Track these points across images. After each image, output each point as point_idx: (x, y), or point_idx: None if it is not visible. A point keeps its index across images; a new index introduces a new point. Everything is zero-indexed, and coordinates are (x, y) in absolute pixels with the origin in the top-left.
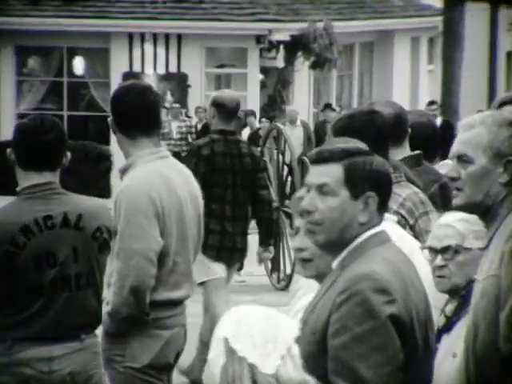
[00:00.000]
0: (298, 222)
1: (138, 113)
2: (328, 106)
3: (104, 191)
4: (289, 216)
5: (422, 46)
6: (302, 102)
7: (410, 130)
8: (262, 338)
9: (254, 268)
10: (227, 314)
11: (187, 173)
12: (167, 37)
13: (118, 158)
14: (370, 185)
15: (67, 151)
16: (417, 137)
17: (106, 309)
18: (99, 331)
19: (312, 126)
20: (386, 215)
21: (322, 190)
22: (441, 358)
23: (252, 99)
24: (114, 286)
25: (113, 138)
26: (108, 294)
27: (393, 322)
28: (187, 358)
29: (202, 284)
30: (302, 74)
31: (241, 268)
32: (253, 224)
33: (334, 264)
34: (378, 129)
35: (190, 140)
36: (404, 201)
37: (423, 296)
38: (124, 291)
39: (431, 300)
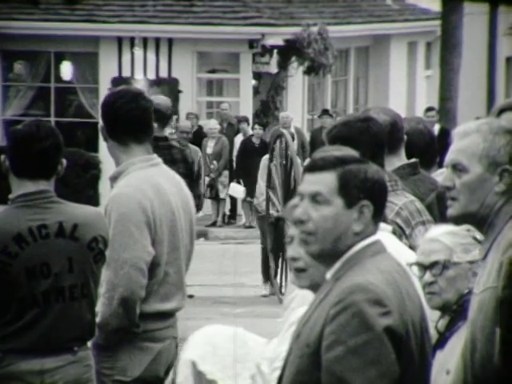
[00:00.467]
0: (293, 230)
1: (130, 119)
2: (325, 112)
3: (92, 200)
4: None
5: (419, 51)
6: (295, 108)
7: (405, 137)
8: (231, 359)
9: (245, 279)
10: (193, 336)
11: (179, 180)
12: (157, 41)
13: (107, 165)
14: (364, 193)
15: (63, 159)
16: (414, 144)
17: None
18: (89, 343)
19: (306, 133)
20: (381, 225)
21: (315, 198)
22: (434, 375)
23: (245, 105)
24: (104, 297)
25: (102, 145)
26: (97, 305)
27: (388, 335)
28: None
29: None
30: (296, 79)
31: None
32: (251, 232)
33: (328, 274)
34: (373, 136)
35: None
36: (400, 210)
37: (419, 307)
38: (113, 302)
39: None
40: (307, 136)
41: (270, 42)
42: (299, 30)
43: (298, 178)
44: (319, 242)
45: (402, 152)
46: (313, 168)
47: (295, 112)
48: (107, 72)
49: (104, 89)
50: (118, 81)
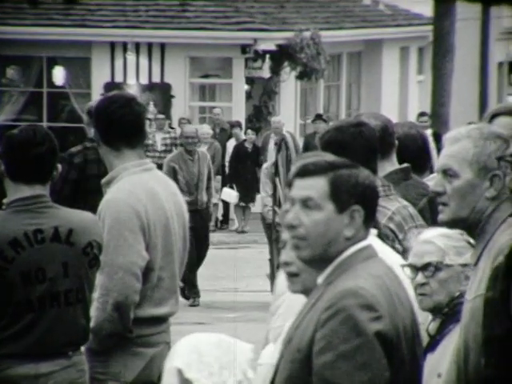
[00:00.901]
0: (285, 235)
1: (123, 124)
2: (319, 117)
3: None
4: None
5: (411, 56)
6: (288, 113)
7: (397, 142)
8: (217, 365)
9: (238, 284)
10: (177, 344)
11: (172, 185)
12: (150, 46)
13: None
14: (355, 198)
15: (58, 163)
16: (406, 149)
17: None
18: (82, 348)
19: (299, 138)
20: None
21: (306, 203)
22: (425, 378)
23: (237, 110)
24: (98, 302)
25: None
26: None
27: (379, 339)
28: None
29: None
30: (289, 84)
31: None
32: (244, 237)
33: (320, 279)
34: (366, 141)
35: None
36: (393, 214)
37: (410, 312)
38: (107, 307)
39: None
40: (300, 141)
41: (262, 47)
42: (292, 35)
43: None
44: (310, 247)
45: (394, 157)
46: (304, 173)
47: (288, 117)
48: (100, 77)
49: (96, 94)
50: (110, 86)
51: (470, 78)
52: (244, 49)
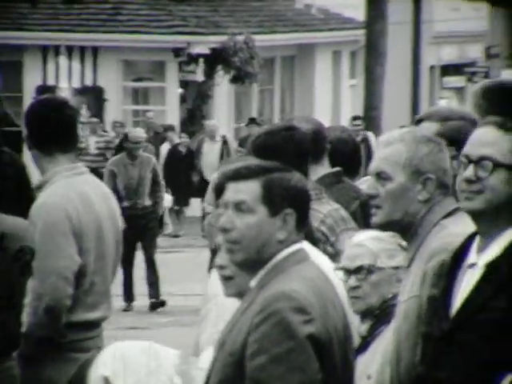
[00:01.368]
0: (220, 239)
1: (55, 128)
2: (253, 121)
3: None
4: None
5: (343, 60)
6: (222, 116)
7: (329, 146)
8: (144, 372)
9: (172, 288)
10: (103, 351)
11: (105, 189)
12: (83, 49)
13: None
14: (288, 202)
15: None
16: (338, 153)
17: None
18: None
19: (234, 141)
20: None
21: (239, 207)
22: (356, 380)
23: (171, 114)
24: (29, 306)
25: (26, 154)
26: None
27: (311, 342)
28: None
29: None
30: (223, 88)
31: None
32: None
33: (253, 283)
34: (297, 145)
35: (107, 156)
36: (325, 217)
37: (342, 315)
38: (39, 311)
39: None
40: (235, 144)
41: (195, 50)
42: (225, 39)
43: None
44: (243, 251)
45: (326, 161)
46: (237, 176)
47: (222, 121)
48: (31, 80)
49: (28, 97)
50: (42, 89)
51: (402, 81)
52: (177, 52)
